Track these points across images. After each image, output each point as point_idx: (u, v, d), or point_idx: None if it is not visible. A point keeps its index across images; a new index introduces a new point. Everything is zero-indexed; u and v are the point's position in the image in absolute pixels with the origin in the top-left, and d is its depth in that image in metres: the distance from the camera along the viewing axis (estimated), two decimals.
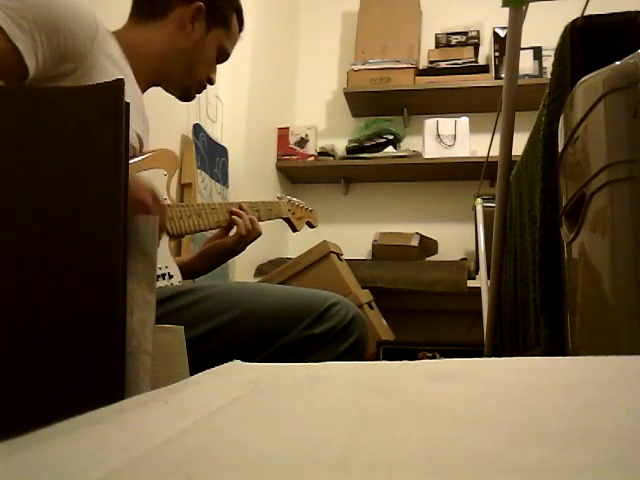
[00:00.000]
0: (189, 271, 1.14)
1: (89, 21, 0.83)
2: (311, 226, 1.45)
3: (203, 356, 0.82)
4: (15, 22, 0.72)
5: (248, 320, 0.94)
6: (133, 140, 0.95)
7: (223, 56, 1.13)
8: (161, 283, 0.98)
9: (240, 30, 1.16)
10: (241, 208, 1.16)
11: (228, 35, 1.10)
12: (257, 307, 0.95)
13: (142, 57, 1.00)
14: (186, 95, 1.11)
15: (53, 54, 0.77)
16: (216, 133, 2.29)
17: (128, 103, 0.55)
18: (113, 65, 0.90)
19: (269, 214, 1.29)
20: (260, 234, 1.18)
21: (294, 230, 1.40)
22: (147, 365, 0.55)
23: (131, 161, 0.94)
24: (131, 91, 0.97)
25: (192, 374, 0.40)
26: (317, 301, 0.97)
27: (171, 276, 1.00)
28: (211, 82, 1.13)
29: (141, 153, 0.99)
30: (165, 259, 1.00)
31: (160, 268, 0.97)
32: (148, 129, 1.08)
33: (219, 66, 1.16)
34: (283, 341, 0.94)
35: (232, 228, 1.17)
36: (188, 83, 1.09)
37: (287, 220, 1.37)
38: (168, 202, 1.04)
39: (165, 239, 1.02)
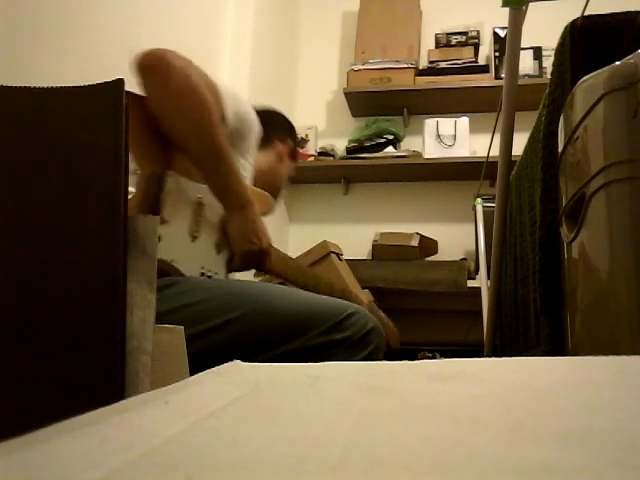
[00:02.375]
0: None
1: (257, 131, 1.17)
2: (388, 346, 1.56)
3: (206, 352, 0.85)
4: (228, 103, 1.03)
5: (268, 315, 0.94)
6: None
7: (294, 155, 1.47)
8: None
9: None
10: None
11: (296, 165, 1.47)
12: (278, 304, 0.96)
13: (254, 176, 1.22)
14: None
15: (233, 130, 1.07)
16: None
17: (128, 103, 0.55)
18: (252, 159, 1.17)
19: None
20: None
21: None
22: (147, 365, 0.55)
23: None
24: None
25: (192, 374, 0.40)
26: (337, 308, 0.98)
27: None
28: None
29: None
30: (218, 266, 1.07)
31: (210, 270, 1.04)
32: None
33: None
34: (301, 341, 0.94)
35: None
36: (274, 193, 1.32)
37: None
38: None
39: (226, 252, 1.08)
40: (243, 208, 1.01)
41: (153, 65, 0.93)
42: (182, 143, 0.96)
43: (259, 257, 1.05)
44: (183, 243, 0.98)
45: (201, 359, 0.62)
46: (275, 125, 1.41)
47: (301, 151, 2.85)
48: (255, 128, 1.16)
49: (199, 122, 0.94)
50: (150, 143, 0.98)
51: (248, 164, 1.15)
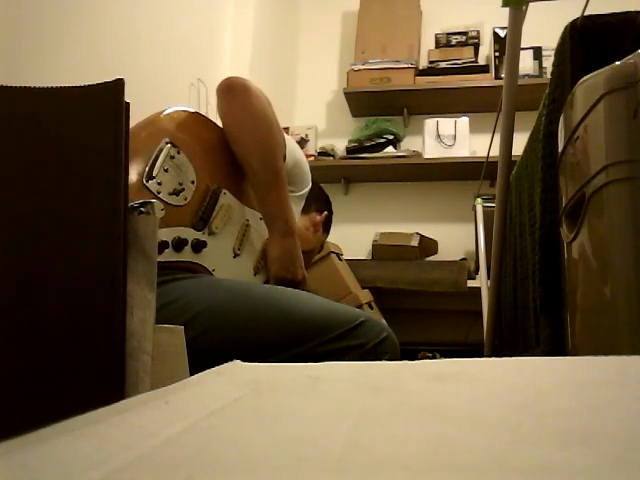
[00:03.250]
0: None
1: (307, 180, 1.24)
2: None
3: (224, 346, 0.88)
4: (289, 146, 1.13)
5: (283, 318, 0.94)
6: None
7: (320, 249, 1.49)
8: None
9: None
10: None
11: (327, 237, 1.47)
12: (294, 308, 0.96)
13: None
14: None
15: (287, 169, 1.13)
16: None
17: (128, 103, 0.55)
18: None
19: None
20: None
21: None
22: (147, 365, 0.55)
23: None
24: None
25: (192, 374, 0.40)
26: (351, 314, 0.99)
27: None
28: None
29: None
30: (247, 268, 1.10)
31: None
32: None
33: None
34: (305, 347, 0.94)
35: None
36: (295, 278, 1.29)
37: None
38: None
39: (260, 279, 1.12)
40: (287, 235, 1.08)
41: (234, 87, 1.04)
42: (247, 161, 1.04)
43: (291, 286, 1.09)
44: (225, 257, 1.03)
45: (204, 359, 0.62)
46: (315, 194, 1.40)
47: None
48: (307, 180, 1.22)
49: (267, 144, 1.04)
50: (217, 159, 1.04)
51: (295, 208, 1.18)
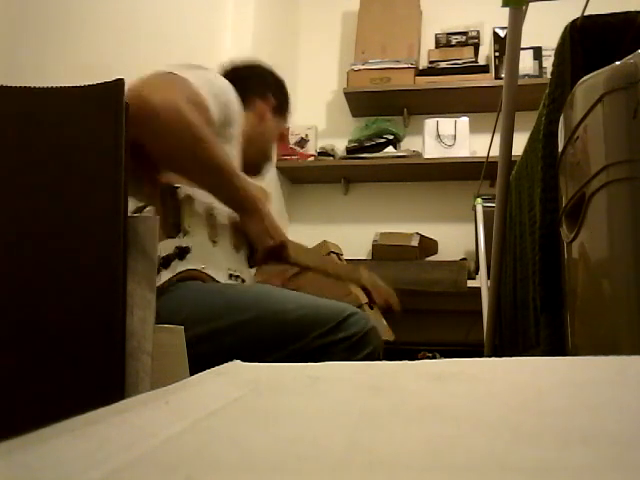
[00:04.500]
0: None
1: (239, 106, 1.12)
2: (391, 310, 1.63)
3: (221, 350, 0.87)
4: (208, 96, 0.99)
5: (269, 319, 0.96)
6: None
7: (281, 138, 1.42)
8: (232, 281, 1.07)
9: (290, 115, 1.41)
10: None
11: (285, 122, 1.37)
12: (284, 307, 0.97)
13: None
14: (259, 171, 1.35)
15: (221, 121, 1.04)
16: None
17: (128, 103, 0.55)
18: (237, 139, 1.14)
19: (347, 276, 1.52)
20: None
21: (372, 304, 1.54)
22: (147, 365, 0.55)
23: None
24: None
25: (192, 374, 0.40)
26: (337, 309, 1.00)
27: (244, 280, 1.10)
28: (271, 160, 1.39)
29: None
30: (241, 265, 1.11)
31: (235, 270, 1.08)
32: None
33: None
34: (301, 344, 0.95)
35: None
36: (261, 162, 1.33)
37: (365, 290, 1.51)
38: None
39: (245, 251, 1.12)
40: (254, 211, 1.05)
41: (138, 114, 0.85)
42: (182, 172, 0.98)
43: (279, 251, 1.10)
44: (207, 249, 1.02)
45: (202, 360, 0.63)
46: (253, 82, 1.31)
47: (301, 151, 2.86)
48: (238, 110, 1.12)
49: (190, 149, 0.93)
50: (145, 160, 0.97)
51: (235, 150, 1.13)
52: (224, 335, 0.93)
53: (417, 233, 2.59)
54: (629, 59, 0.71)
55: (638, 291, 0.68)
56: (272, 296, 1.00)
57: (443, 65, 2.79)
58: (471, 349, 2.10)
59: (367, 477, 0.19)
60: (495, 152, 1.29)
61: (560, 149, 0.89)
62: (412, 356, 2.11)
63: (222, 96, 1.05)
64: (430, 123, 2.72)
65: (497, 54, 2.73)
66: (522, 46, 1.00)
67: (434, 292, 2.35)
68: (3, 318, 0.53)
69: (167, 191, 0.98)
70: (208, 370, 0.39)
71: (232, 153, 1.10)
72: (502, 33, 2.71)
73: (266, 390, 0.34)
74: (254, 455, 0.21)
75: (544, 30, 2.12)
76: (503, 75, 1.07)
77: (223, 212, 1.07)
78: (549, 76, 1.06)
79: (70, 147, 0.55)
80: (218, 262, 1.03)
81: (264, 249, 1.09)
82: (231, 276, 1.07)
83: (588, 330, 0.81)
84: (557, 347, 0.96)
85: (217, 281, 1.01)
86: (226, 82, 1.08)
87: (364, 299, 2.18)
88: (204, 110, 0.98)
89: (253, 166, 1.29)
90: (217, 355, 0.86)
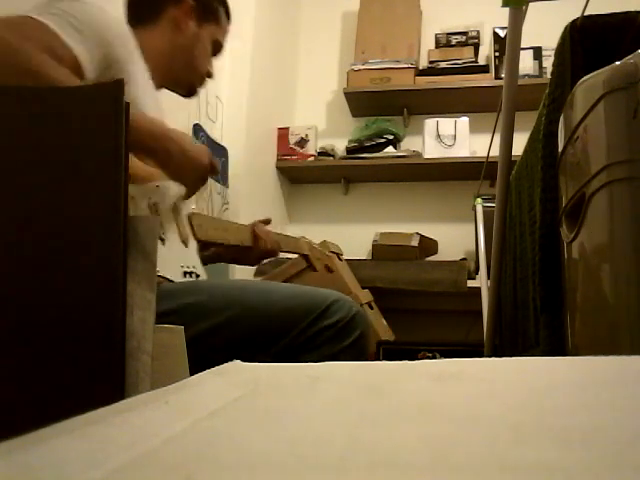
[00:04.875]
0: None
1: (127, 34, 0.94)
2: (329, 270, 1.54)
3: (204, 354, 0.82)
4: (73, 36, 0.82)
5: (250, 318, 0.94)
6: None
7: (218, 49, 1.18)
8: (187, 279, 1.02)
9: (228, 21, 1.21)
10: (262, 230, 1.25)
11: (219, 28, 1.17)
12: (259, 305, 0.96)
13: (152, 59, 1.03)
14: (190, 91, 1.16)
15: (101, 63, 0.87)
16: (216, 133, 2.29)
17: (128, 103, 0.55)
18: (140, 71, 0.98)
19: (289, 246, 1.37)
20: (276, 255, 1.29)
21: (314, 270, 1.49)
22: (147, 365, 0.55)
23: None
24: (153, 96, 1.03)
25: (192, 374, 0.40)
26: (319, 298, 0.98)
27: (198, 276, 1.05)
28: (210, 75, 1.17)
29: None
30: (194, 261, 1.05)
31: (188, 267, 1.03)
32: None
33: (218, 65, 1.20)
34: (287, 339, 0.95)
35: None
36: (191, 79, 1.14)
37: (306, 258, 1.44)
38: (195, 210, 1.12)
39: (195, 245, 1.07)
40: (168, 152, 0.87)
41: None
42: None
43: (200, 178, 0.96)
44: (161, 251, 0.96)
45: (201, 359, 0.63)
46: None
47: (301, 151, 2.85)
48: (127, 43, 0.94)
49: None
50: None
51: (136, 87, 0.95)
52: (204, 340, 0.89)
53: (417, 233, 2.59)
54: (629, 59, 0.71)
55: (638, 291, 0.68)
56: (250, 291, 0.98)
57: (443, 65, 2.79)
58: (471, 349, 2.11)
59: (367, 477, 0.19)
60: (495, 152, 1.29)
61: (560, 149, 0.89)
62: (412, 356, 2.10)
63: (95, 33, 0.86)
64: (430, 123, 2.72)
65: (497, 54, 2.73)
66: (522, 46, 1.00)
67: (434, 292, 2.35)
68: (3, 318, 0.53)
69: None
70: (208, 370, 0.39)
71: (130, 91, 0.88)
72: (502, 33, 2.71)
73: (266, 390, 0.34)
74: (254, 455, 0.21)
75: (544, 30, 2.12)
76: (503, 75, 1.07)
77: (166, 207, 0.98)
78: (549, 76, 1.06)
79: (70, 147, 0.55)
80: (169, 261, 0.96)
81: (190, 183, 0.95)
82: (185, 274, 1.01)
83: (588, 330, 0.81)
84: (557, 347, 0.96)
85: (171, 281, 0.95)
86: (104, 17, 0.89)
87: (364, 299, 2.18)
88: (65, 53, 0.81)
89: (182, 86, 1.15)
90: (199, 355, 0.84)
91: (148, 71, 1.02)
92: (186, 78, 1.13)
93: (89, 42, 0.84)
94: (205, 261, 1.19)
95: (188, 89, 1.16)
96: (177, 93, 1.15)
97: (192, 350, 0.70)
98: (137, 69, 0.96)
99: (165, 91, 1.14)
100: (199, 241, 1.10)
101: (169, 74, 1.10)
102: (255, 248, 1.23)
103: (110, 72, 0.88)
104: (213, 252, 1.23)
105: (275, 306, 0.96)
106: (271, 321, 0.95)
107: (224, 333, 0.93)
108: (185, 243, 1.03)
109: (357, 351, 0.98)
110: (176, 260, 0.99)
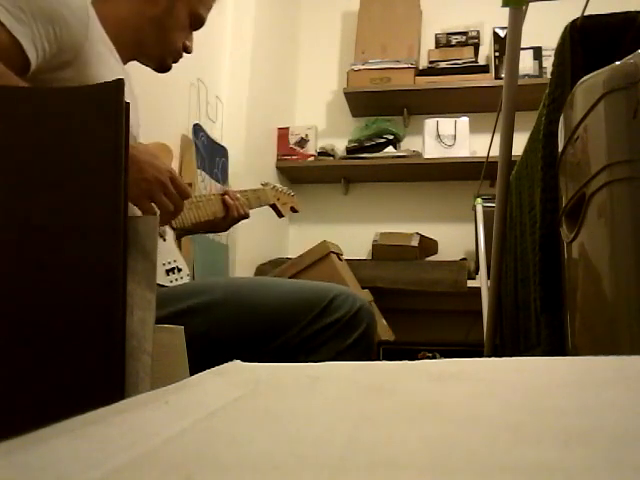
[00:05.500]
0: None
1: (81, 7, 0.83)
2: (294, 211, 1.49)
3: (204, 350, 0.83)
4: (13, 15, 0.72)
5: (250, 315, 0.93)
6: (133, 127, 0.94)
7: (197, 22, 1.09)
8: (171, 277, 1.00)
9: None
10: (231, 197, 1.21)
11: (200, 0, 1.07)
12: (260, 302, 0.95)
13: (117, 31, 0.96)
14: (162, 66, 1.08)
15: (52, 44, 0.78)
16: (216, 133, 2.29)
17: (128, 103, 0.55)
18: (105, 47, 0.89)
19: (258, 201, 1.35)
20: (248, 217, 1.25)
21: (280, 216, 1.46)
22: (147, 365, 0.55)
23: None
24: (119, 70, 0.95)
25: (192, 374, 0.40)
26: (321, 294, 0.97)
27: (180, 269, 1.03)
28: (187, 50, 1.10)
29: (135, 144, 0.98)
30: (173, 253, 1.03)
31: (169, 262, 1.00)
32: (137, 108, 1.06)
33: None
34: (288, 336, 0.93)
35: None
36: (163, 53, 1.05)
37: (273, 207, 1.41)
38: None
39: (172, 234, 1.04)
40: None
41: None
42: None
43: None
44: None
45: (201, 359, 0.62)
46: None
47: (301, 151, 2.86)
48: (81, 8, 0.83)
49: None
50: None
51: (103, 69, 0.86)
52: (203, 338, 0.89)
53: (417, 233, 2.59)
54: (629, 59, 0.71)
55: (638, 291, 0.68)
56: (250, 288, 0.97)
57: (443, 65, 2.79)
58: (471, 349, 2.11)
59: (367, 477, 0.19)
60: (495, 152, 1.29)
61: (560, 149, 0.89)
62: (412, 356, 2.11)
63: (43, 11, 0.76)
64: (430, 123, 2.72)
65: (497, 54, 2.73)
66: (522, 46, 1.00)
67: (434, 292, 2.35)
68: (3, 318, 0.53)
69: None
70: (208, 370, 0.39)
71: (91, 74, 0.84)
72: (502, 33, 2.71)
73: (266, 390, 0.34)
74: (254, 455, 0.21)
75: (544, 30, 2.12)
76: (503, 75, 1.07)
77: None
78: (549, 76, 1.06)
79: (70, 147, 0.55)
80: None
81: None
82: (168, 271, 0.99)
83: (588, 330, 0.81)
84: (557, 347, 0.96)
85: (159, 284, 0.91)
86: None
87: (366, 299, 2.18)
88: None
89: (153, 60, 1.07)
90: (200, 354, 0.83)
91: (113, 44, 0.95)
92: (157, 52, 1.05)
93: (33, 20, 0.74)
94: (180, 236, 1.18)
95: (159, 64, 1.07)
96: (148, 66, 1.07)
97: (192, 350, 0.70)
98: (101, 46, 0.89)
99: (163, 91, 1.12)
100: (175, 229, 1.07)
101: (137, 47, 1.01)
102: (228, 217, 1.19)
103: (69, 52, 0.81)
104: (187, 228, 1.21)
105: (273, 302, 0.95)
106: (268, 318, 0.94)
107: (218, 333, 0.92)
108: (162, 237, 1.00)
109: (364, 345, 0.97)
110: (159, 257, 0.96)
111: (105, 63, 0.88)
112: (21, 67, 0.74)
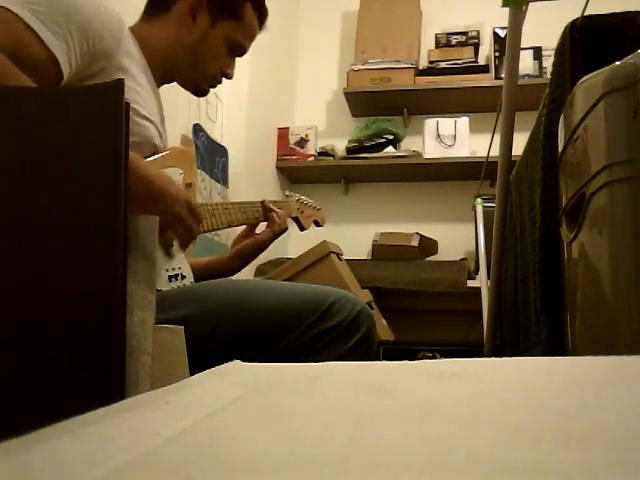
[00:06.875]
0: (225, 270, 1.21)
1: (115, 24, 0.87)
2: (318, 225, 1.45)
3: (204, 355, 0.83)
4: (50, 29, 0.75)
5: (250, 318, 0.93)
6: (155, 137, 0.98)
7: (237, 49, 1.09)
8: (174, 284, 1.00)
9: (261, 20, 1.11)
10: (269, 208, 1.23)
11: (240, 27, 1.06)
12: (259, 305, 0.94)
13: (152, 54, 1.00)
14: (198, 89, 1.11)
15: (84, 57, 0.81)
16: (216, 133, 2.29)
17: (128, 103, 0.55)
18: (134, 64, 0.92)
19: (288, 212, 1.34)
20: (287, 230, 1.27)
21: (301, 229, 1.41)
22: (147, 365, 0.55)
23: (152, 158, 0.97)
24: (149, 88, 0.99)
25: (192, 374, 0.40)
26: (321, 297, 0.96)
27: (184, 276, 1.03)
28: (227, 76, 1.11)
29: (160, 150, 1.01)
30: (178, 260, 1.03)
31: (174, 269, 1.00)
32: (165, 130, 1.10)
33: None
34: (288, 340, 0.93)
35: (257, 226, 1.25)
36: (197, 78, 1.07)
37: (295, 219, 1.37)
38: None
39: (173, 244, 1.03)
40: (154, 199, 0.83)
41: None
42: None
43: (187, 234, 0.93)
44: None
45: (201, 359, 0.62)
46: None
47: (301, 151, 2.85)
48: (118, 35, 0.86)
49: None
50: None
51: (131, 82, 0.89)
52: (204, 341, 0.88)
53: (417, 233, 2.59)
54: (629, 59, 0.71)
55: (638, 291, 0.68)
56: (249, 291, 0.96)
57: (443, 65, 2.79)
58: (471, 349, 2.11)
59: (367, 477, 0.19)
60: (495, 152, 1.29)
61: (560, 149, 0.89)
62: (412, 356, 2.10)
63: (78, 25, 0.78)
64: (430, 123, 2.72)
65: (497, 54, 2.73)
66: (522, 46, 1.00)
67: (434, 292, 2.35)
68: (3, 318, 0.53)
69: None
70: (208, 370, 0.39)
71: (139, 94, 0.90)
72: (502, 33, 2.71)
73: (266, 390, 0.34)
74: (254, 455, 0.21)
75: (544, 30, 2.12)
76: (503, 75, 1.07)
77: None
78: (549, 76, 1.06)
79: (70, 147, 0.55)
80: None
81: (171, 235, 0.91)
82: (171, 277, 0.99)
83: (588, 330, 0.81)
84: (557, 347, 0.96)
85: (158, 289, 0.92)
86: (90, 5, 0.82)
87: (364, 299, 2.18)
88: (35, 52, 0.74)
89: (188, 85, 1.09)
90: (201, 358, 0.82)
91: (148, 66, 0.99)
92: (190, 77, 1.07)
93: (70, 35, 0.77)
94: (232, 273, 1.18)
95: (195, 88, 1.10)
96: (186, 89, 1.11)
97: (192, 350, 0.70)
98: (132, 63, 0.91)
99: (163, 91, 1.13)
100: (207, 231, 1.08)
101: (171, 72, 1.05)
102: (270, 223, 1.21)
103: (98, 65, 0.82)
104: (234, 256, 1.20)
105: (273, 306, 0.94)
106: (268, 322, 0.93)
107: (218, 336, 0.91)
108: (164, 246, 0.99)
109: (363, 350, 0.96)
110: (159, 264, 0.96)
111: (132, 78, 0.90)
112: (55, 80, 0.76)
